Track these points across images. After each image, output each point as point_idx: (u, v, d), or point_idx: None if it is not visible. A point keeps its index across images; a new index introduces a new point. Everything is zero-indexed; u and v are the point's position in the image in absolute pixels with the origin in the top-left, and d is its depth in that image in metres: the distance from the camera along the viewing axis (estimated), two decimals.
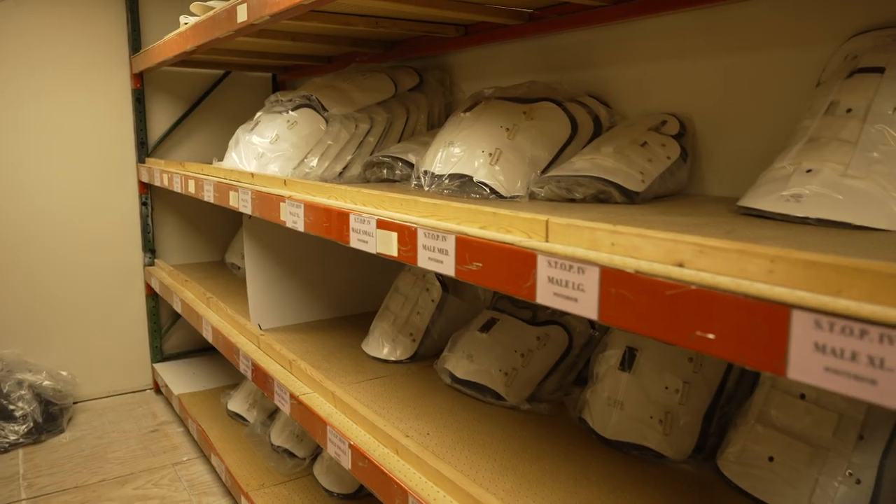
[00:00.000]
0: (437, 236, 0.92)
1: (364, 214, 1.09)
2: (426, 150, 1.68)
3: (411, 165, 1.67)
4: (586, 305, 0.70)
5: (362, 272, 2.04)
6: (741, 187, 1.30)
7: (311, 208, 1.27)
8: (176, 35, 2.00)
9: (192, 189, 1.98)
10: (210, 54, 2.31)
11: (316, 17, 1.62)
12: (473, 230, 0.88)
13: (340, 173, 1.83)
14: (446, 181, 1.43)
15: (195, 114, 2.83)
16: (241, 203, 1.60)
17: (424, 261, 0.95)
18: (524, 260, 0.77)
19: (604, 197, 1.25)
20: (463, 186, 1.41)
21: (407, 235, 0.98)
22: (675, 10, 1.34)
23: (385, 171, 1.76)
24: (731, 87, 1.30)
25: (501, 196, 1.36)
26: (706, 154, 1.35)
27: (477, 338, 1.45)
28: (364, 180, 1.84)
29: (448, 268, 0.90)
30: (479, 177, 1.38)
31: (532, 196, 1.36)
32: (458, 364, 1.45)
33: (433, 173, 1.47)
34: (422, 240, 0.95)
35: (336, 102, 1.82)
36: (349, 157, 1.84)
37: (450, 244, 0.89)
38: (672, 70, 1.41)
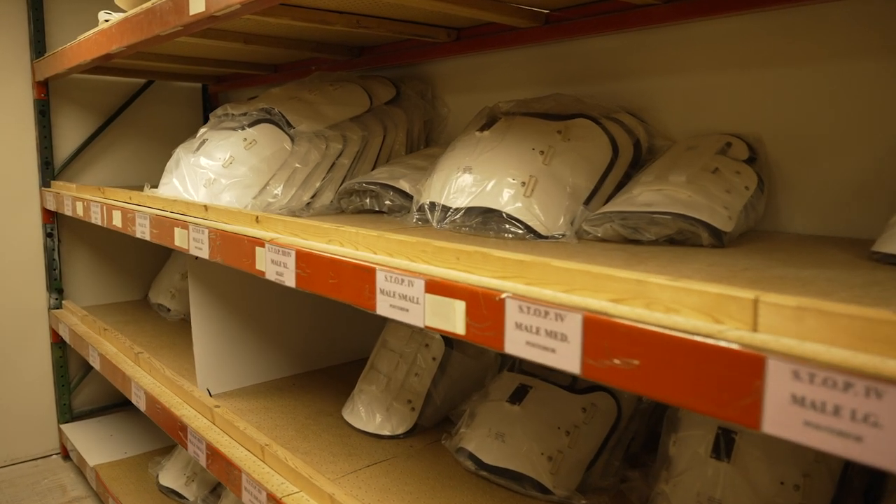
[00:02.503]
0: (544, 312, 0.63)
1: (400, 272, 0.79)
2: (422, 176, 1.39)
3: (405, 195, 1.37)
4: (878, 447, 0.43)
5: (327, 320, 1.72)
6: (830, 223, 1.08)
7: (307, 258, 0.95)
8: (97, 34, 1.62)
9: (117, 222, 1.60)
10: (134, 59, 1.93)
11: (288, 11, 1.30)
12: (606, 306, 0.60)
13: (308, 203, 1.50)
14: (462, 216, 1.15)
15: (111, 129, 2.41)
16: (192, 243, 1.26)
17: (518, 346, 0.66)
18: (734, 365, 0.50)
19: (681, 238, 1.00)
20: (487, 223, 1.13)
21: (485, 307, 0.69)
22: (743, 11, 1.12)
23: (368, 201, 1.46)
24: (814, 103, 1.08)
25: (540, 235, 1.09)
26: (783, 183, 1.13)
27: (506, 411, 1.17)
28: (338, 211, 1.53)
29: (568, 360, 0.61)
30: (510, 211, 1.10)
31: (580, 236, 1.09)
32: (484, 445, 1.15)
33: (444, 206, 1.18)
34: (513, 314, 0.66)
35: (304, 117, 1.50)
36: (318, 184, 1.52)
37: (571, 326, 0.61)
38: (734, 82, 1.18)
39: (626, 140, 1.23)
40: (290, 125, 1.48)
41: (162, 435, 2.31)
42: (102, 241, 2.44)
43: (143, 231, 1.46)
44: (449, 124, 1.72)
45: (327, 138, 1.53)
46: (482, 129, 1.24)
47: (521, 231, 1.10)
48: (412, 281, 0.77)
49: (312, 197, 1.52)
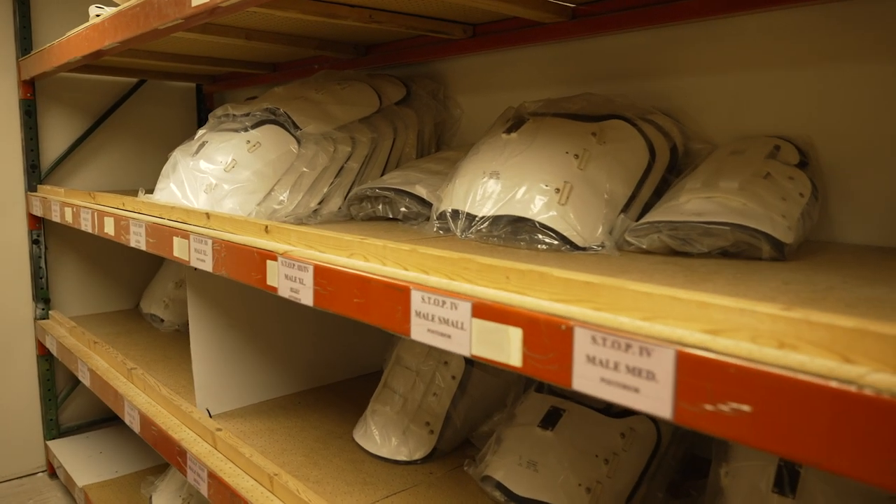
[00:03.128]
0: (625, 345, 0.54)
1: (442, 293, 0.70)
2: (439, 181, 1.30)
3: (422, 201, 1.28)
4: None
5: (334, 332, 1.62)
6: (892, 233, 1.00)
7: (327, 274, 0.85)
8: (87, 29, 1.52)
9: (109, 230, 1.50)
10: (126, 57, 1.82)
11: (297, 3, 1.21)
12: (704, 339, 0.51)
13: (316, 209, 1.41)
14: (488, 225, 1.06)
15: (100, 131, 2.30)
16: (193, 255, 1.16)
17: (590, 382, 0.57)
18: (883, 417, 0.41)
19: (735, 250, 0.91)
20: (517, 233, 1.04)
21: (547, 336, 0.60)
22: (794, 5, 1.03)
23: (381, 207, 1.36)
24: (873, 102, 1.00)
25: (576, 246, 1.00)
26: (837, 189, 1.05)
27: (538, 436, 1.07)
28: (347, 218, 1.44)
29: (656, 402, 0.52)
30: (542, 219, 1.01)
31: (620, 247, 1.00)
32: (513, 474, 1.06)
33: (469, 214, 1.09)
34: (584, 346, 0.57)
35: (311, 118, 1.40)
36: (326, 189, 1.42)
37: (661, 362, 0.52)
38: (780, 81, 1.10)
39: (663, 143, 1.14)
40: (296, 126, 1.39)
41: (155, 452, 2.19)
42: (91, 248, 2.33)
43: (137, 240, 1.36)
44: (462, 126, 1.63)
45: (335, 140, 1.44)
46: (509, 130, 1.15)
47: (555, 242, 1.01)
48: (456, 303, 0.68)
49: (320, 203, 1.42)
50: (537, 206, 1.03)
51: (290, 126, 1.39)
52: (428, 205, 1.28)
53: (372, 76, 1.61)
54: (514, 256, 0.95)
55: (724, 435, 0.48)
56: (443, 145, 1.66)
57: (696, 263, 0.88)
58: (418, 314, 0.72)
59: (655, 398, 0.52)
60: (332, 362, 1.62)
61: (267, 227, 1.04)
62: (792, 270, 0.82)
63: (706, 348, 0.50)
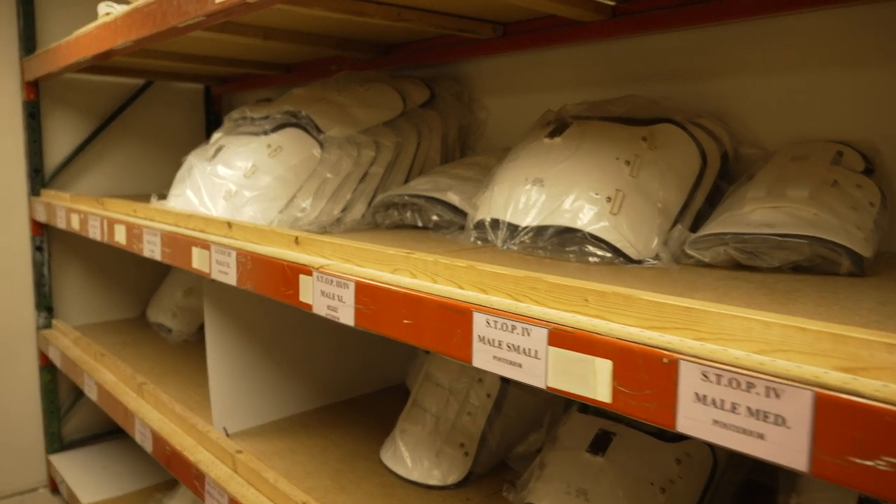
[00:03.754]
0: (746, 384, 0.47)
1: (511, 317, 0.63)
2: (471, 188, 1.23)
3: (455, 209, 1.21)
4: None
5: (356, 342, 1.55)
6: None
7: (370, 292, 0.78)
8: (98, 28, 1.45)
9: (120, 238, 1.42)
10: (135, 57, 1.75)
11: (323, 0, 1.14)
12: (845, 378, 0.44)
13: (339, 217, 1.34)
14: (532, 235, 0.99)
15: (105, 134, 2.22)
16: (215, 267, 1.08)
17: (699, 425, 0.50)
18: None
19: (808, 264, 0.85)
20: (565, 243, 0.97)
21: (644, 370, 0.53)
22: (855, 3, 0.97)
23: (409, 215, 1.29)
24: None
25: (630, 259, 0.93)
26: None
27: (587, 462, 1.00)
28: (372, 225, 1.37)
29: (786, 451, 0.45)
30: (594, 231, 0.94)
31: (677, 259, 0.94)
32: (561, 503, 0.99)
33: (510, 224, 1.02)
34: (692, 383, 0.50)
35: (334, 121, 1.33)
36: (349, 195, 1.35)
37: (794, 405, 0.45)
38: (839, 82, 1.03)
39: (714, 148, 1.08)
40: (318, 130, 1.31)
41: (163, 468, 2.12)
42: (95, 254, 2.25)
43: (152, 250, 1.29)
44: (488, 129, 1.56)
45: (359, 144, 1.37)
46: (552, 135, 1.08)
47: (608, 254, 0.94)
48: (528, 329, 0.61)
49: (343, 210, 1.35)
50: (587, 215, 0.96)
51: (312, 129, 1.32)
52: (461, 213, 1.21)
53: (394, 78, 1.54)
54: (564, 270, 0.88)
55: (878, 493, 0.41)
56: (467, 149, 1.59)
57: (768, 280, 0.81)
58: (482, 339, 0.65)
59: (787, 447, 0.45)
60: (353, 375, 1.55)
61: (297, 238, 0.97)
62: (878, 288, 0.76)
63: (853, 392, 0.43)
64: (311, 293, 0.87)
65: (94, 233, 1.55)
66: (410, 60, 1.62)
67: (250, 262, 0.99)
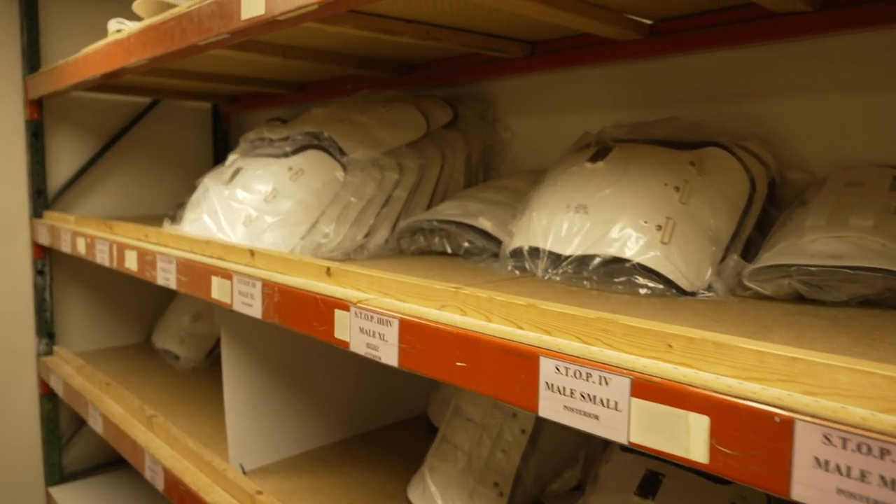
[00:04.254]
0: (880, 450, 0.42)
1: (586, 364, 0.57)
2: (503, 213, 1.18)
3: (487, 236, 1.16)
4: None
5: (374, 374, 1.49)
6: None
7: (417, 331, 0.73)
8: (110, 45, 1.39)
9: (131, 265, 1.36)
10: (145, 75, 1.70)
11: (353, 18, 1.09)
12: None
13: (362, 243, 1.28)
14: (576, 265, 0.94)
15: (110, 154, 2.17)
16: (237, 298, 1.03)
17: (821, 494, 0.44)
18: None
19: (877, 298, 0.80)
20: (612, 274, 0.92)
21: (750, 429, 0.47)
22: None
23: (437, 241, 1.24)
24: None
25: (683, 291, 0.88)
26: None
27: None
28: (396, 251, 1.31)
29: None
30: (645, 261, 0.89)
31: (732, 291, 0.88)
32: None
33: (551, 252, 0.97)
34: (810, 445, 0.44)
35: (357, 143, 1.28)
36: (373, 220, 1.30)
37: None
38: (889, 104, 0.99)
39: (762, 172, 1.03)
40: (342, 152, 1.26)
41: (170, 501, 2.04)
42: (98, 277, 2.19)
43: (166, 278, 1.23)
44: (512, 150, 1.51)
45: (382, 167, 1.32)
46: (594, 159, 1.03)
47: (659, 286, 0.88)
48: (607, 377, 0.55)
49: (366, 236, 1.30)
50: (637, 245, 0.90)
51: (335, 151, 1.27)
52: (493, 239, 1.16)
53: (416, 97, 1.49)
54: (614, 303, 0.83)
55: None
56: (491, 171, 1.54)
57: (839, 315, 0.76)
58: (550, 387, 0.60)
59: None
60: (373, 406, 1.49)
61: (329, 269, 0.91)
62: None
63: None
64: (347, 330, 0.81)
65: (103, 258, 1.49)
66: (432, 79, 1.58)
67: (277, 294, 0.94)
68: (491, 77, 1.50)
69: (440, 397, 1.45)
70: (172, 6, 1.24)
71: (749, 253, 0.97)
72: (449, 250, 1.22)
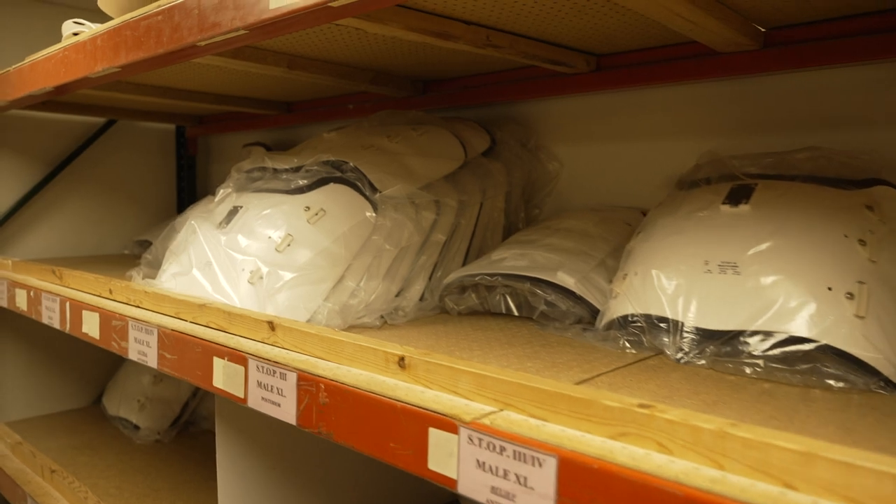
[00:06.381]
0: None
1: None
2: (582, 264, 0.93)
3: (572, 295, 0.90)
4: None
5: (376, 471, 1.20)
6: None
7: (590, 479, 0.46)
8: (68, 50, 1.10)
9: (91, 331, 1.06)
10: (102, 90, 1.40)
11: (401, 16, 0.83)
12: None
13: (397, 303, 1.01)
14: (731, 346, 0.69)
15: (57, 182, 1.83)
16: (255, 394, 0.74)
17: None
18: None
19: None
20: (786, 358, 0.68)
21: None
22: None
23: (496, 299, 0.98)
24: None
25: (891, 383, 0.64)
26: None
27: None
28: (438, 311, 1.05)
29: None
30: (840, 344, 0.65)
31: None
32: None
33: (692, 327, 0.73)
34: None
35: (390, 175, 1.02)
36: (408, 271, 1.03)
37: None
38: None
39: None
40: (373, 188, 0.99)
41: None
42: (38, 329, 1.84)
43: (143, 353, 0.93)
44: (560, 184, 1.27)
45: (417, 206, 1.05)
46: (733, 200, 0.79)
47: (859, 378, 0.65)
48: None
49: (398, 291, 1.03)
50: (824, 320, 0.67)
51: (364, 186, 1.00)
52: (577, 299, 0.90)
53: (447, 120, 1.24)
54: (805, 407, 0.58)
55: None
56: (532, 209, 1.29)
57: None
58: None
59: None
60: (374, 495, 1.20)
61: (403, 358, 0.64)
62: None
63: None
64: (455, 463, 0.54)
65: (51, 318, 1.18)
66: (457, 100, 1.32)
67: (325, 395, 0.66)
68: (531, 97, 1.26)
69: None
70: (143, 4, 0.95)
71: None
72: (515, 312, 0.96)
